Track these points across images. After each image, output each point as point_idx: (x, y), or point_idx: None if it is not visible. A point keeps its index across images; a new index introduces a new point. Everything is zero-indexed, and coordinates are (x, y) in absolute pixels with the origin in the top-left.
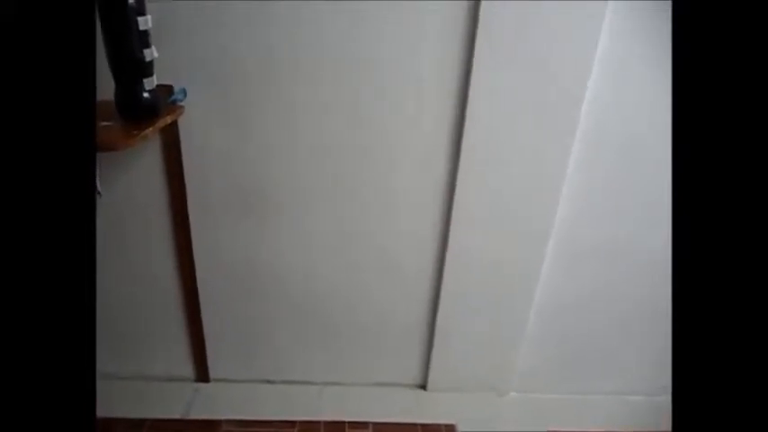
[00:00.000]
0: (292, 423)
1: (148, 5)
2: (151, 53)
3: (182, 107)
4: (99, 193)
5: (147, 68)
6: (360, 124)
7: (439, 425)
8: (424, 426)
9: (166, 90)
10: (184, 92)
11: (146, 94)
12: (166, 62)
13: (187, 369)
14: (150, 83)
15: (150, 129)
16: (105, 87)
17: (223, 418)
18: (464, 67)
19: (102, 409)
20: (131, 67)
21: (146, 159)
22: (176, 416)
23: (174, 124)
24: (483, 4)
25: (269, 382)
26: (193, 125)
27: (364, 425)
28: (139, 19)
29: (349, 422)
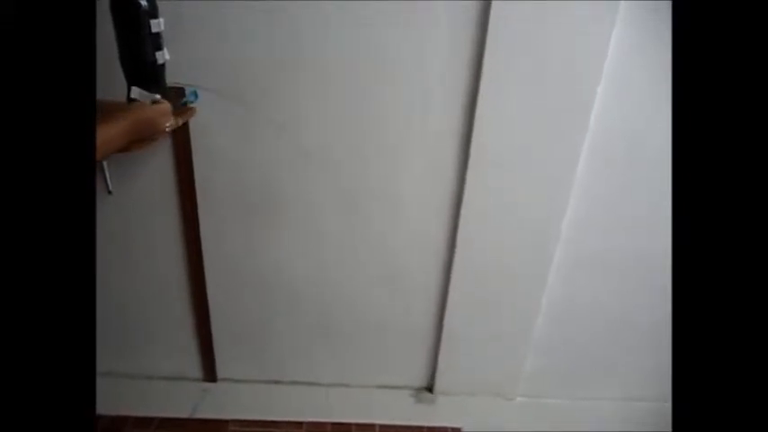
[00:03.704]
0: (299, 424)
1: (160, 7)
2: (163, 55)
3: (193, 109)
4: (110, 192)
5: (159, 71)
6: (367, 127)
7: (445, 428)
8: (430, 428)
9: (178, 92)
10: (196, 94)
11: (158, 96)
12: (177, 64)
13: (195, 369)
14: (162, 85)
15: None
16: (118, 88)
17: (230, 417)
18: (473, 72)
19: (110, 408)
20: (143, 69)
21: (157, 160)
22: (183, 415)
23: (186, 126)
24: (493, 6)
25: (276, 382)
26: (204, 127)
27: (371, 426)
28: (152, 21)
29: (356, 424)
